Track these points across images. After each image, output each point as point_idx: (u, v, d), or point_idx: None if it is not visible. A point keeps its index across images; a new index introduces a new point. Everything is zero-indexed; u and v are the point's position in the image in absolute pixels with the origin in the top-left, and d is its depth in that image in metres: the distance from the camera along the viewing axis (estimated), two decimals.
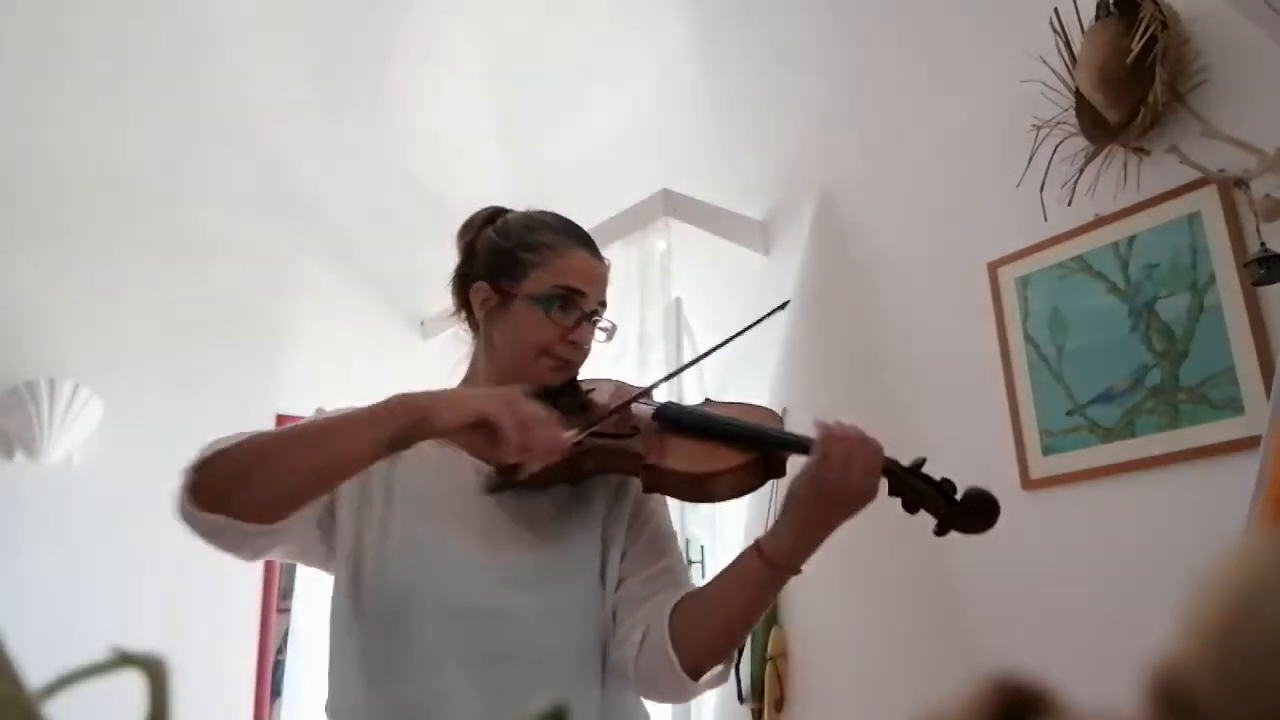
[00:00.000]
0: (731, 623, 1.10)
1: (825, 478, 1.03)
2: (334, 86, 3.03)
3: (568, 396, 1.20)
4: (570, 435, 1.05)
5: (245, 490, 0.96)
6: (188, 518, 0.97)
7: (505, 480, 1.07)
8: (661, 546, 1.22)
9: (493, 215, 1.28)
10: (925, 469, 1.10)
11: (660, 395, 1.26)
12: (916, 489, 1.08)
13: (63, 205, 2.77)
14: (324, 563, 1.15)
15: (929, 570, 1.99)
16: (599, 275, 1.23)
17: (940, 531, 1.09)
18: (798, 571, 1.08)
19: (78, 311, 2.75)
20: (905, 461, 1.11)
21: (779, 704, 2.14)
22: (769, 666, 2.15)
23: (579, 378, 1.25)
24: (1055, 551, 1.82)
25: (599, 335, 1.24)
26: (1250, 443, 1.52)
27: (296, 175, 3.11)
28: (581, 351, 1.22)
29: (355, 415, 1.00)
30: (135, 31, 2.73)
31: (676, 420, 1.18)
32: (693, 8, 2.93)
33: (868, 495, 1.05)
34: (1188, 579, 0.25)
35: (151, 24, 2.73)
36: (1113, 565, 1.73)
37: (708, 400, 1.27)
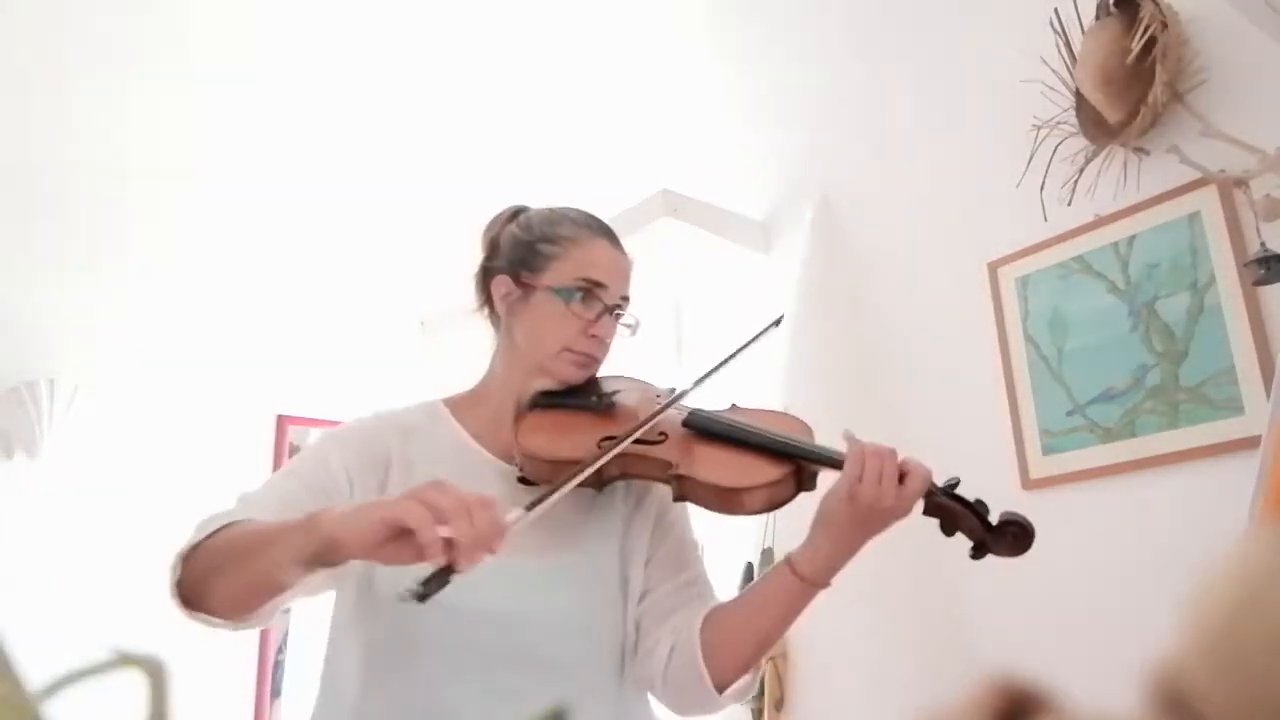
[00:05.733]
0: (764, 637, 1.10)
1: (860, 497, 1.03)
2: (335, 86, 3.03)
3: (594, 398, 1.17)
4: (513, 517, 0.90)
5: (210, 593, 0.98)
6: (181, 611, 1.00)
7: (432, 586, 0.84)
8: (685, 557, 1.21)
9: (516, 211, 1.27)
10: (959, 490, 1.08)
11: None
12: (954, 511, 1.06)
13: (63, 205, 2.77)
14: (332, 585, 1.14)
15: (929, 571, 1.99)
16: (621, 268, 1.21)
17: (977, 555, 1.07)
18: (828, 585, 1.08)
19: (78, 311, 2.75)
20: (939, 481, 1.09)
21: (779, 704, 2.14)
22: (769, 666, 2.15)
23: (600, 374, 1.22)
24: (1055, 551, 1.81)
25: (622, 330, 1.22)
26: (1250, 443, 1.52)
27: (297, 175, 3.10)
28: (603, 346, 1.19)
29: (286, 530, 0.92)
30: (136, 31, 2.73)
31: (708, 429, 1.15)
32: (693, 8, 2.93)
33: (902, 512, 1.04)
34: (1188, 579, 0.25)
35: (151, 23, 2.73)
36: (1113, 565, 1.73)
37: (734, 406, 1.23)
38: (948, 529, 1.07)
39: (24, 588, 2.45)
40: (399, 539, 0.84)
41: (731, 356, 1.18)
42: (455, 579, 0.85)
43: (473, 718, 1.05)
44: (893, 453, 1.05)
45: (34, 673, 0.26)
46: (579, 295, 1.16)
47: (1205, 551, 0.24)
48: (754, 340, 1.16)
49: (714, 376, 1.19)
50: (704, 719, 1.17)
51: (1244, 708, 0.22)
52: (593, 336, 1.17)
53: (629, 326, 1.23)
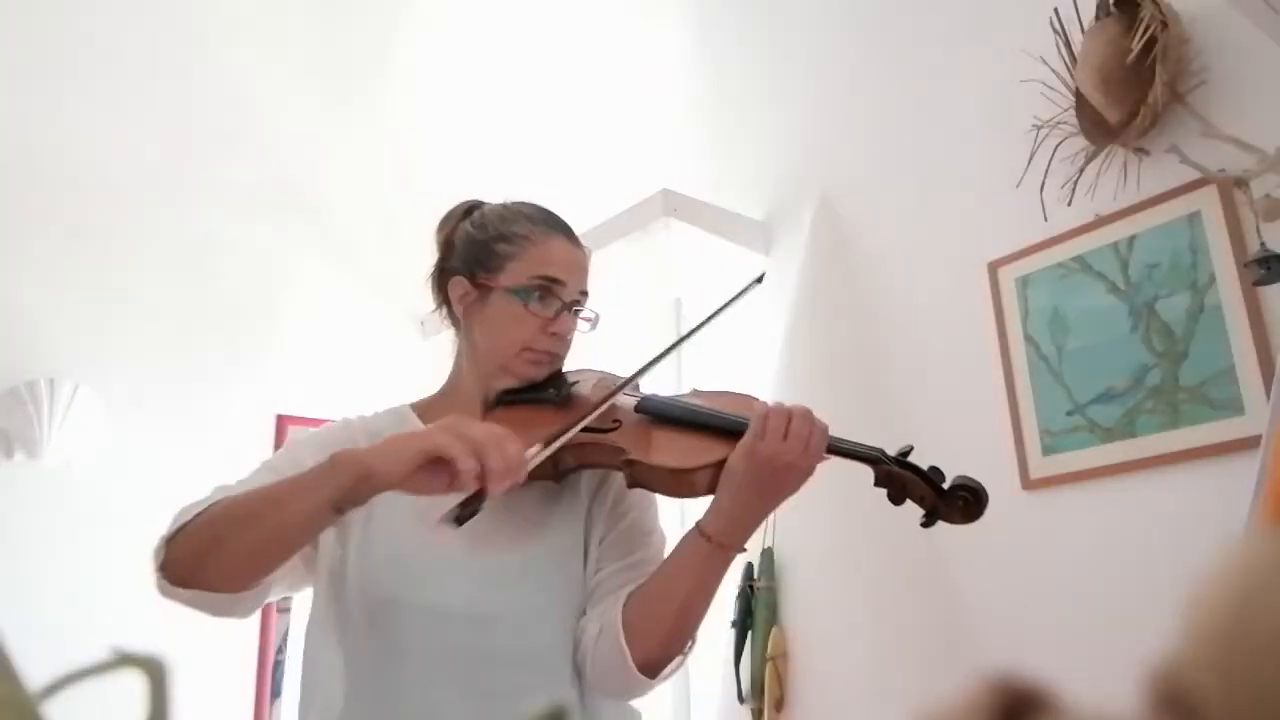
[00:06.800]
0: (681, 608, 1.07)
1: (759, 450, 1.02)
2: (335, 86, 3.03)
3: (552, 390, 1.18)
4: (532, 451, 0.97)
5: (211, 564, 0.96)
6: (166, 594, 0.98)
7: (469, 510, 0.90)
8: (638, 540, 1.19)
9: (470, 208, 1.27)
10: (911, 457, 1.07)
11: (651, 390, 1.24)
12: (901, 478, 1.05)
13: (63, 205, 2.77)
14: (309, 582, 1.14)
15: (929, 570, 1.99)
16: (578, 263, 1.21)
17: (927, 523, 1.05)
18: (742, 549, 1.06)
19: (78, 311, 2.75)
20: (891, 450, 1.08)
21: (779, 704, 2.14)
22: (769, 666, 2.15)
23: (564, 369, 1.22)
24: (1055, 551, 1.82)
25: (582, 325, 1.22)
26: (1250, 443, 1.52)
27: (296, 175, 3.10)
28: (564, 343, 1.20)
29: (303, 477, 0.95)
30: (135, 31, 2.73)
31: (659, 412, 1.15)
32: (694, 8, 2.93)
33: (803, 470, 1.04)
34: (1188, 579, 0.25)
35: (151, 24, 2.73)
36: (1113, 565, 1.73)
37: (695, 390, 1.23)
38: (897, 498, 1.06)
39: (24, 588, 2.44)
40: (432, 468, 0.90)
41: (707, 320, 1.18)
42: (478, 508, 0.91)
43: (452, 717, 1.04)
44: (805, 412, 1.04)
45: (34, 673, 0.26)
46: (536, 295, 1.16)
47: (1205, 551, 0.24)
48: (733, 300, 1.16)
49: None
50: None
51: (1244, 707, 0.22)
52: (553, 334, 1.17)
53: (588, 321, 1.22)
